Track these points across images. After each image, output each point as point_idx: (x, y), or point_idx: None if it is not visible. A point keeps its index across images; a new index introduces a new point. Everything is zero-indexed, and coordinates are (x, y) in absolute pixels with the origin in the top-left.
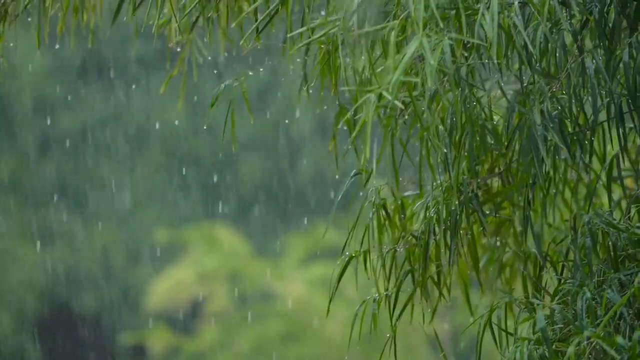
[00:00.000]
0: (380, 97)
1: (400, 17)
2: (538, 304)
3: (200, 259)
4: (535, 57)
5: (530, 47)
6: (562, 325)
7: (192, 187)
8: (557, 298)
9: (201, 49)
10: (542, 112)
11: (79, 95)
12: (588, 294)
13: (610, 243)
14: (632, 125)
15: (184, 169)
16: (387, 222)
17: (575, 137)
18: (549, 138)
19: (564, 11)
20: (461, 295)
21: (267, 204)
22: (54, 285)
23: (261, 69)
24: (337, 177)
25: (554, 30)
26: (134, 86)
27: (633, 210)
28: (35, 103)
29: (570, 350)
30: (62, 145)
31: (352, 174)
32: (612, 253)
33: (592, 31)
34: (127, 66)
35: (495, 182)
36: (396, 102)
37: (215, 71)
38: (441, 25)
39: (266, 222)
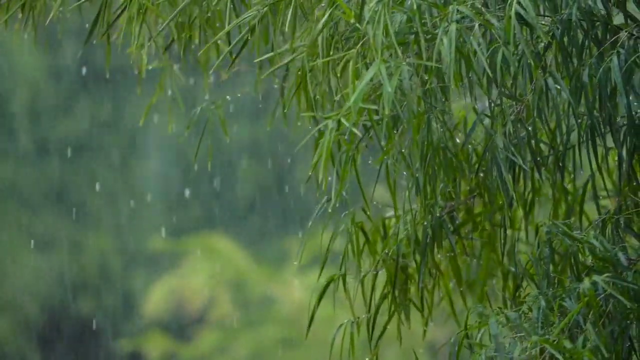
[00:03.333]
0: (339, 123)
1: (359, 44)
2: (493, 312)
3: (198, 265)
4: (494, 80)
5: (488, 71)
6: (523, 334)
7: (191, 194)
8: (523, 307)
9: (179, 76)
10: (505, 134)
11: (76, 100)
12: (543, 303)
13: (571, 253)
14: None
15: (183, 176)
16: (366, 245)
17: (547, 159)
18: (515, 161)
19: (525, 34)
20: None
21: (267, 210)
22: (53, 291)
23: (239, 95)
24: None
25: (516, 53)
26: (131, 92)
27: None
28: (33, 107)
29: (515, 354)
30: (61, 150)
31: (322, 201)
32: (573, 263)
33: (557, 53)
34: (126, 71)
35: (476, 201)
36: (354, 130)
37: (211, 78)
38: (399, 53)
39: (265, 228)
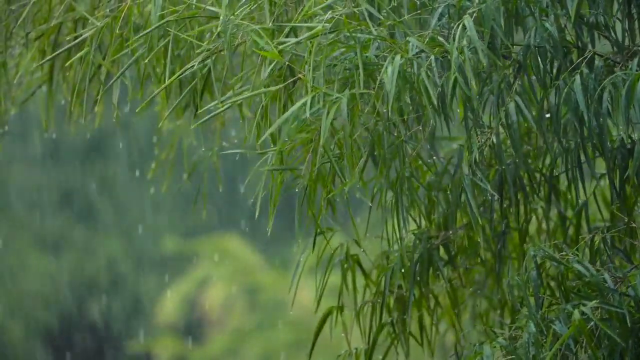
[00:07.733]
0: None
1: (290, 80)
2: (484, 341)
3: (209, 268)
4: (436, 112)
5: (434, 101)
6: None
7: (201, 197)
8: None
9: (191, 136)
10: (474, 161)
11: (86, 104)
12: (532, 328)
13: (559, 275)
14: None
15: (192, 179)
16: (362, 276)
17: (540, 184)
18: (482, 187)
19: (497, 62)
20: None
21: (276, 213)
22: (64, 294)
23: (216, 147)
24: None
25: (487, 80)
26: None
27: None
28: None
29: None
30: (72, 154)
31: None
32: (561, 285)
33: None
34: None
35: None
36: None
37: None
38: (324, 85)
39: (275, 231)
